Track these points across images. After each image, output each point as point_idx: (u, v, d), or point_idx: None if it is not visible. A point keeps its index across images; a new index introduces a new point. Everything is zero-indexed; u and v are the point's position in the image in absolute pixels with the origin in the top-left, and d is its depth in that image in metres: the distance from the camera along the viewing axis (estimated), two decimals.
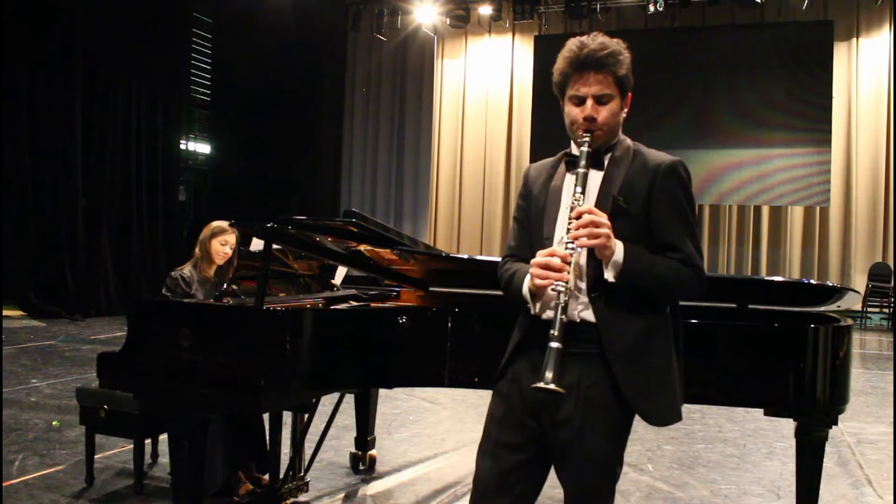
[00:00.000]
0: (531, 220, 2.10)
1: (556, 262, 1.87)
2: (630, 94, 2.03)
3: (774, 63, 11.86)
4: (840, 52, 11.86)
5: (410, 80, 14.31)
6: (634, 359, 1.92)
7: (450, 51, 13.98)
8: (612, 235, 1.87)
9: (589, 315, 1.96)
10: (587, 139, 1.96)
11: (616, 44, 1.98)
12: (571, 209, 1.92)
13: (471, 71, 13.79)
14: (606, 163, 2.02)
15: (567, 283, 1.85)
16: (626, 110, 2.04)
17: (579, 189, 1.93)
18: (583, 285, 1.96)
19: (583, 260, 1.95)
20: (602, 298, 1.93)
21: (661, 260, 1.93)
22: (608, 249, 1.88)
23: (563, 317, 1.84)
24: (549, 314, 1.96)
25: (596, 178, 2.00)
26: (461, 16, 13.00)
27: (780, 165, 11.87)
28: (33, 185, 9.98)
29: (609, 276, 1.90)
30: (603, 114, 1.97)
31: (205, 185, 14.41)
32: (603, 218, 1.88)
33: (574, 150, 2.04)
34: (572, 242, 1.88)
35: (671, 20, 12.27)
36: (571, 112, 2.01)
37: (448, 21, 13.24)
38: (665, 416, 1.97)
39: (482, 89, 13.70)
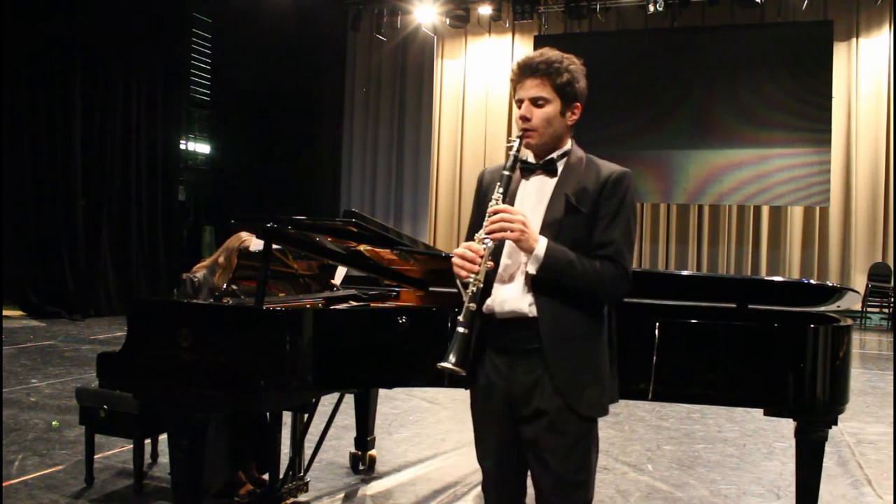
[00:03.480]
0: (482, 224, 2.15)
1: (469, 254, 2.01)
2: (579, 104, 2.15)
3: (774, 63, 11.85)
4: (840, 52, 11.85)
5: (410, 80, 14.31)
6: (566, 351, 2.06)
7: (450, 51, 13.97)
8: (527, 231, 2.01)
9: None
10: (514, 143, 2.12)
11: (561, 56, 2.13)
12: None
13: (471, 71, 13.78)
14: (560, 168, 2.15)
15: (477, 274, 2.00)
16: (573, 118, 2.16)
17: (500, 189, 2.07)
18: (518, 284, 2.09)
19: (507, 249, 2.10)
20: (543, 295, 2.06)
21: (584, 259, 2.05)
22: (524, 243, 2.02)
23: (473, 305, 1.99)
24: (500, 312, 2.11)
25: (550, 183, 2.14)
26: (461, 16, 13.00)
27: (780, 165, 11.87)
28: (33, 185, 9.98)
29: (531, 269, 2.04)
30: (537, 115, 2.12)
31: (205, 185, 14.41)
32: (517, 215, 2.02)
33: (530, 157, 2.19)
34: (487, 237, 2.02)
35: (671, 20, 12.27)
36: (516, 115, 2.18)
37: (448, 21, 13.24)
38: (592, 407, 2.09)
39: (482, 89, 13.70)
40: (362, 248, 3.17)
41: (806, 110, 11.73)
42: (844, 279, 11.75)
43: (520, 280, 2.09)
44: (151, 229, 11.46)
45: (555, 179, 2.13)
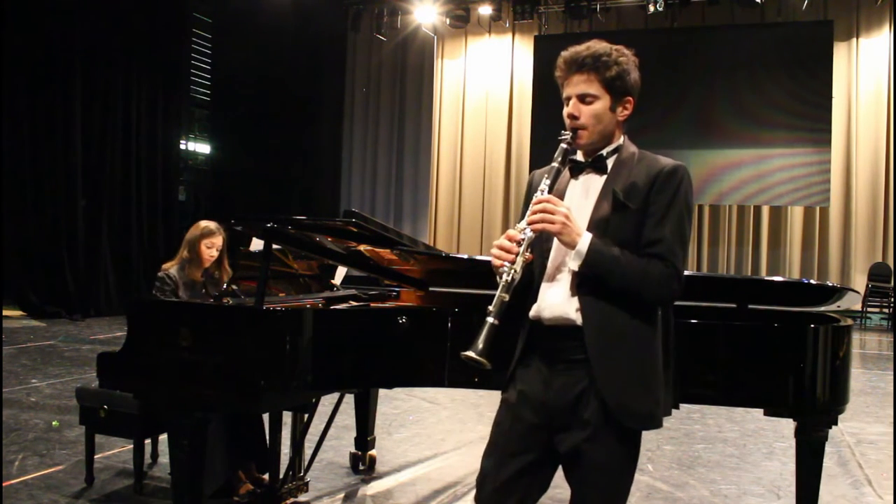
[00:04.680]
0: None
1: (507, 244, 1.92)
2: (631, 98, 2.05)
3: (774, 63, 11.85)
4: (840, 52, 11.85)
5: (410, 80, 14.31)
6: (613, 361, 1.93)
7: (450, 51, 13.97)
8: (569, 224, 1.91)
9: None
10: (567, 136, 2.01)
11: (610, 48, 2.01)
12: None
13: (471, 71, 13.78)
14: (611, 165, 2.04)
15: (514, 263, 1.90)
16: (625, 113, 2.06)
17: (548, 181, 1.98)
18: (565, 286, 1.98)
19: (554, 249, 1.99)
20: (589, 297, 1.95)
21: (629, 255, 1.93)
22: (566, 237, 1.92)
23: (506, 296, 1.87)
24: (547, 317, 2.00)
25: (599, 180, 2.03)
26: (461, 16, 13.00)
27: (780, 165, 11.87)
28: (33, 185, 9.98)
29: (573, 265, 1.94)
30: (585, 113, 2.00)
31: (205, 185, 14.40)
32: (560, 206, 1.92)
33: (580, 155, 2.08)
34: (527, 227, 1.93)
35: (671, 20, 12.28)
36: (565, 113, 2.05)
37: (448, 21, 13.24)
38: (640, 420, 1.96)
39: (482, 89, 13.70)
40: (362, 248, 3.17)
41: (806, 110, 11.73)
42: (844, 279, 11.75)
43: (565, 282, 1.98)
44: (151, 229, 11.45)
45: (604, 177, 2.02)
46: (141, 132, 11.27)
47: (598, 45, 2.01)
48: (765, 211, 12.31)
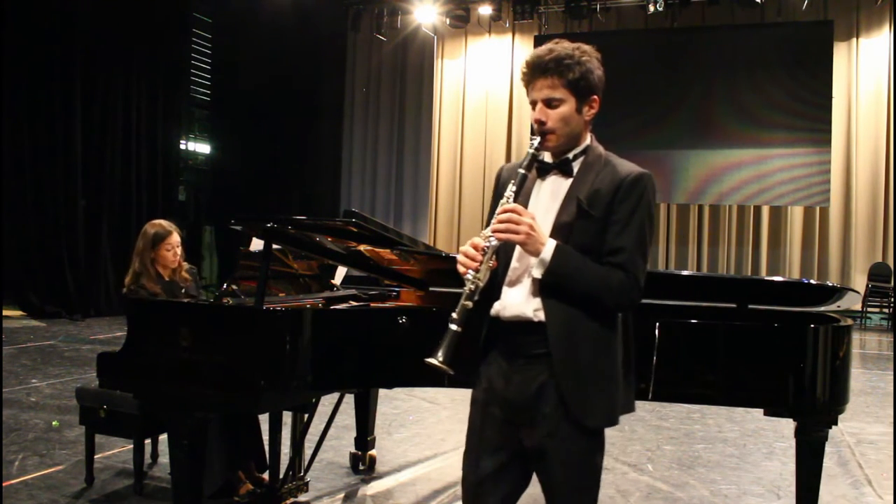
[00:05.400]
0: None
1: (472, 251, 1.95)
2: (597, 96, 2.05)
3: (774, 63, 11.85)
4: (840, 52, 11.85)
5: (410, 80, 14.30)
6: (574, 357, 1.97)
7: (450, 51, 13.97)
8: (533, 234, 1.93)
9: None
10: (535, 142, 2.02)
11: (571, 48, 2.02)
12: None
13: (471, 71, 13.78)
14: (577, 168, 2.05)
15: (478, 272, 1.92)
16: (591, 112, 2.06)
17: (514, 188, 2.00)
18: (526, 288, 2.01)
19: (518, 252, 2.02)
20: (551, 298, 1.98)
21: (592, 264, 1.96)
22: (530, 246, 1.94)
23: (469, 303, 1.91)
24: (506, 316, 2.04)
25: (565, 184, 2.05)
26: (461, 16, 13.00)
27: (780, 165, 11.86)
28: (33, 185, 9.97)
29: (536, 273, 1.96)
30: (552, 117, 2.01)
31: (205, 185, 14.40)
32: (525, 217, 1.94)
33: (547, 156, 2.09)
34: (492, 235, 1.95)
35: (671, 20, 12.27)
36: (532, 118, 2.07)
37: (448, 21, 13.24)
38: (597, 417, 2.00)
39: (482, 89, 13.69)
40: (362, 248, 3.17)
41: (806, 110, 11.73)
42: (844, 279, 11.75)
43: (527, 284, 2.01)
44: None
45: (570, 181, 2.04)
46: (141, 132, 11.27)
47: (559, 48, 2.01)
48: (765, 211, 12.31)
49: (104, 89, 10.66)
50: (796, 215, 12.20)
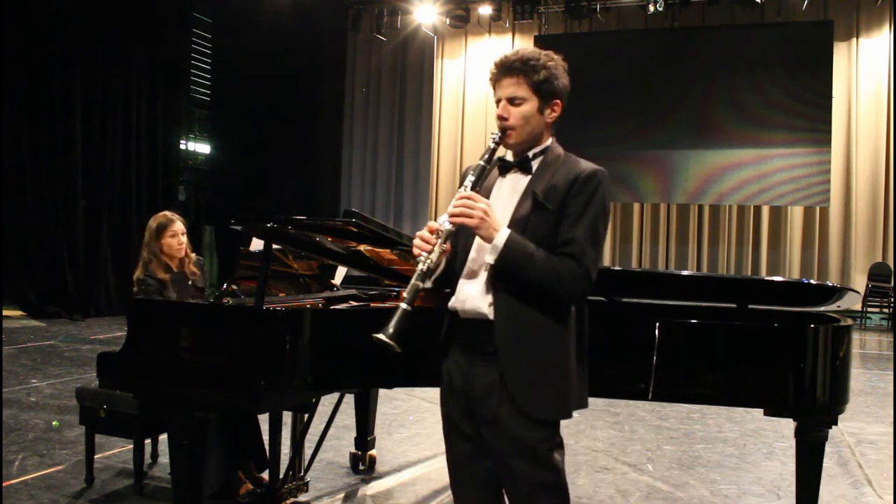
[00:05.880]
0: None
1: (427, 234, 2.03)
2: (559, 101, 2.12)
3: (774, 63, 11.85)
4: (840, 52, 11.85)
5: (410, 80, 14.31)
6: (521, 355, 2.03)
7: (450, 51, 13.98)
8: (487, 219, 2.00)
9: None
10: (496, 136, 2.11)
11: (539, 53, 2.10)
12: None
13: (471, 71, 13.78)
14: (535, 166, 2.13)
15: (430, 253, 1.99)
16: (553, 115, 2.13)
17: (472, 177, 2.08)
18: (481, 281, 2.08)
19: (476, 246, 2.08)
20: (502, 293, 2.05)
21: (545, 253, 2.01)
22: (484, 231, 2.01)
23: (419, 283, 1.98)
24: (462, 311, 2.11)
25: (524, 180, 2.12)
26: (461, 16, 13.00)
27: (780, 165, 11.86)
28: (33, 185, 9.97)
29: (489, 258, 2.03)
30: (514, 114, 2.09)
31: (205, 185, 14.40)
32: (480, 202, 2.01)
33: (509, 155, 2.19)
34: (446, 220, 2.03)
35: (671, 20, 12.27)
36: (496, 114, 2.15)
37: (448, 21, 13.24)
38: (547, 411, 2.05)
39: (482, 89, 13.68)
40: (362, 248, 3.17)
41: (806, 110, 11.73)
42: (844, 279, 11.75)
43: (483, 277, 2.08)
44: None
45: (529, 177, 2.12)
46: (141, 132, 11.28)
47: (526, 51, 2.11)
48: (765, 211, 12.31)
49: (104, 89, 10.66)
50: (796, 215, 12.20)
